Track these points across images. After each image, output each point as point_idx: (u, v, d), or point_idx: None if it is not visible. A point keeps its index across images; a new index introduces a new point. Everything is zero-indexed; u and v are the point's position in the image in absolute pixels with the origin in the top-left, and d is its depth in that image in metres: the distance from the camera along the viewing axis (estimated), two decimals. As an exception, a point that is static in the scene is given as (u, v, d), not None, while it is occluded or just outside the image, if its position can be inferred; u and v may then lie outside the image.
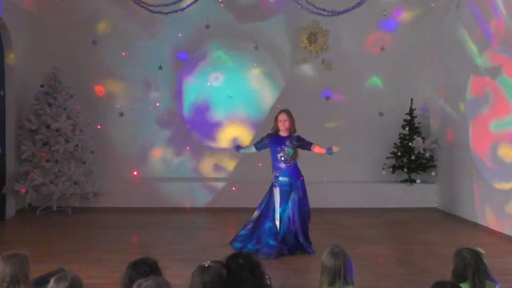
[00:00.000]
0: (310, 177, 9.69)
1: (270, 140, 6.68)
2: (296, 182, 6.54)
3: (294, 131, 6.64)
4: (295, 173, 6.56)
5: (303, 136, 6.72)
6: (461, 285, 3.35)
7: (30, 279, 3.30)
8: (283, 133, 6.61)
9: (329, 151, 6.53)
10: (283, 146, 6.53)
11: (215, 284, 2.86)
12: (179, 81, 9.78)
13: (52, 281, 2.79)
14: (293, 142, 6.54)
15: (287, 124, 6.55)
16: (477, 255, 3.47)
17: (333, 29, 9.72)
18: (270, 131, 6.78)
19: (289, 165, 6.53)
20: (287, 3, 9.06)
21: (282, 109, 6.84)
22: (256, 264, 3.05)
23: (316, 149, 6.61)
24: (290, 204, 6.47)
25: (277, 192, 6.52)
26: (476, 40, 8.12)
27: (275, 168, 6.60)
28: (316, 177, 9.82)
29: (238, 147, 7.10)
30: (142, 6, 7.97)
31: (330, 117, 9.90)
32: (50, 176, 8.38)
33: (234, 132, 9.80)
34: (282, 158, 6.53)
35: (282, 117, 6.58)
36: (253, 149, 6.91)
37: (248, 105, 9.82)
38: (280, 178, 6.54)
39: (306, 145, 6.61)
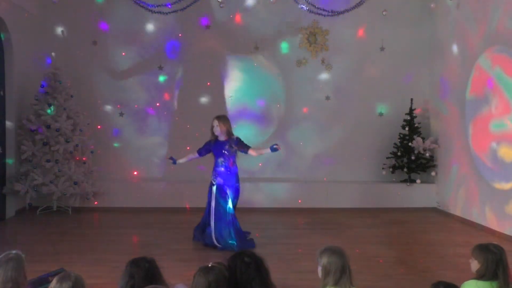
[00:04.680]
0: (310, 177, 9.83)
1: (212, 146, 6.86)
2: (230, 184, 6.77)
3: (231, 134, 6.83)
4: (232, 176, 6.79)
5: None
6: (483, 283, 3.28)
7: (27, 279, 3.28)
8: (221, 137, 6.80)
9: (272, 149, 6.71)
10: (223, 151, 6.75)
11: (219, 284, 2.86)
12: (179, 81, 9.78)
13: (54, 280, 2.77)
14: (232, 145, 6.75)
15: (219, 128, 6.75)
16: (503, 251, 3.38)
17: (333, 29, 9.72)
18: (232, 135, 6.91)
19: (227, 169, 6.77)
20: (287, 3, 9.06)
21: (216, 116, 7.04)
22: (261, 261, 3.05)
23: (255, 152, 6.85)
24: (221, 201, 6.71)
25: (213, 190, 6.77)
26: (476, 40, 8.12)
27: (214, 171, 6.80)
28: (316, 177, 9.86)
29: (173, 160, 7.11)
30: (142, 6, 7.99)
31: (330, 117, 9.90)
32: (50, 176, 8.39)
33: (233, 132, 9.79)
34: (223, 163, 6.76)
35: (214, 123, 6.81)
36: (195, 156, 7.02)
37: (248, 105, 9.82)
38: (217, 179, 6.76)
39: (243, 147, 6.80)
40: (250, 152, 6.82)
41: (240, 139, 6.85)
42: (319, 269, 3.24)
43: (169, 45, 9.70)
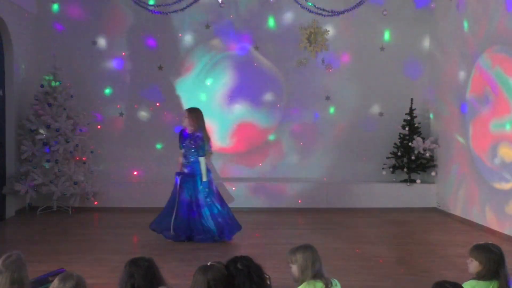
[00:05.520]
0: (310, 177, 9.83)
1: (179, 136, 7.00)
2: (192, 178, 6.80)
3: (198, 130, 6.80)
4: (192, 170, 6.80)
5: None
6: (484, 283, 3.26)
7: (29, 279, 3.29)
8: (188, 129, 6.87)
9: (203, 182, 6.77)
10: (183, 144, 6.86)
11: (218, 282, 2.88)
12: (179, 81, 9.78)
13: (57, 281, 2.76)
14: (191, 141, 6.78)
15: (186, 120, 6.83)
16: (501, 250, 3.36)
17: (333, 29, 9.72)
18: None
19: (187, 161, 6.83)
20: (287, 3, 9.06)
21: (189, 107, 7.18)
22: (255, 269, 3.05)
23: (201, 164, 6.77)
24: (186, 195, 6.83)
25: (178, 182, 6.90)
26: (476, 40, 8.12)
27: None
28: (316, 177, 9.86)
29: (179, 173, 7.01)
30: (142, 6, 7.99)
31: (330, 117, 9.90)
32: (50, 176, 8.39)
33: (233, 132, 9.81)
34: (184, 154, 6.86)
35: (185, 113, 6.92)
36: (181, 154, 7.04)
37: (247, 105, 9.81)
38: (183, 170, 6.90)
39: (197, 150, 6.78)
40: (200, 159, 6.77)
41: (200, 139, 6.77)
42: (294, 269, 3.30)
43: (169, 45, 9.69)
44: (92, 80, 9.56)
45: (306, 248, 3.34)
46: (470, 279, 3.36)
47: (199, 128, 6.84)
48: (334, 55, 9.82)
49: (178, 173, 6.96)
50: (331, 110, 9.89)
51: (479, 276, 3.31)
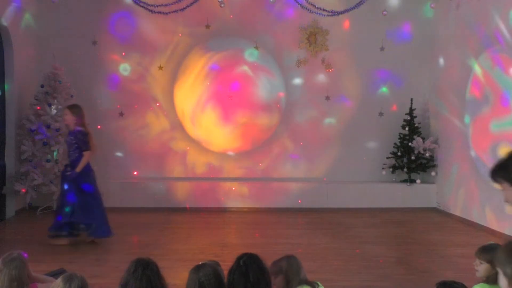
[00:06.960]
0: (310, 177, 9.82)
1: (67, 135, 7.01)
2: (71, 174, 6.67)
3: (78, 125, 6.71)
4: (74, 166, 6.68)
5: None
6: (497, 287, 3.16)
7: (30, 279, 3.30)
8: (70, 127, 6.87)
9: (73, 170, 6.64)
10: (67, 140, 6.84)
11: (210, 281, 2.88)
12: (179, 81, 9.78)
13: (61, 281, 2.75)
14: (71, 137, 6.74)
15: (66, 118, 6.82)
16: None
17: (333, 29, 9.72)
18: None
19: (71, 158, 6.75)
20: (287, 2, 9.07)
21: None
22: (256, 269, 2.97)
23: (85, 157, 6.66)
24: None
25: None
26: (476, 40, 8.12)
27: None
28: (316, 177, 9.86)
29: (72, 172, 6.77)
30: (142, 6, 7.99)
31: (330, 117, 9.90)
32: (50, 176, 8.38)
33: (234, 132, 9.81)
34: (68, 153, 6.81)
35: (64, 112, 6.89)
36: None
37: (248, 105, 9.81)
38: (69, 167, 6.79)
39: (81, 145, 6.68)
40: (84, 153, 6.66)
41: (82, 134, 6.69)
42: (279, 279, 3.25)
43: (169, 44, 9.69)
44: (92, 80, 9.56)
45: (289, 258, 3.31)
46: (481, 283, 3.19)
47: (80, 124, 6.73)
48: (334, 55, 9.82)
49: (63, 174, 6.83)
50: (331, 110, 9.89)
51: (492, 280, 3.07)
